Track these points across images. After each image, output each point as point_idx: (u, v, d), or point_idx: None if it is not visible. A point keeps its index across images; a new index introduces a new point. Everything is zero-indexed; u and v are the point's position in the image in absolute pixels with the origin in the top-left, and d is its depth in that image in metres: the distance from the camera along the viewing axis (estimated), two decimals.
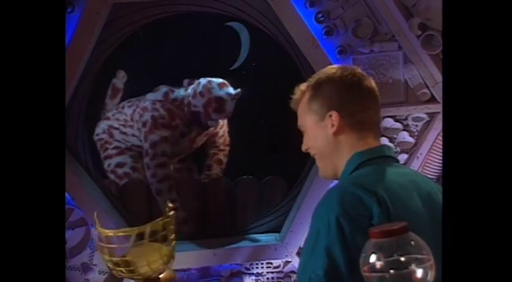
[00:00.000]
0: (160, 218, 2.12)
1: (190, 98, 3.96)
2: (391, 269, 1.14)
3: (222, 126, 4.18)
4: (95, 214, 2.28)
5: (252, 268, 3.90)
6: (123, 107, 4.13)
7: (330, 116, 1.81)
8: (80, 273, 3.78)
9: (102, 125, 4.16)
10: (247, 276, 3.90)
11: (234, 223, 4.01)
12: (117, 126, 4.13)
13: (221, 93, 3.91)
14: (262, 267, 3.90)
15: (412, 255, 1.15)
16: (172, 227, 2.16)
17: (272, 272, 3.90)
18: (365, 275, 1.18)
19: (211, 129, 4.11)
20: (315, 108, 1.85)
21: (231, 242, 3.90)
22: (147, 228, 2.07)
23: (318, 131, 1.84)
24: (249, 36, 4.11)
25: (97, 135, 4.15)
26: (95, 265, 3.79)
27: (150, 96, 4.03)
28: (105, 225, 3.64)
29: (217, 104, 3.91)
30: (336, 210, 1.58)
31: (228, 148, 4.18)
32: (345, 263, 1.53)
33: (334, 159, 1.83)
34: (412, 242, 1.17)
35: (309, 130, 1.88)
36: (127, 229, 2.18)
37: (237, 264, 3.88)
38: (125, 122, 4.12)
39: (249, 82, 4.02)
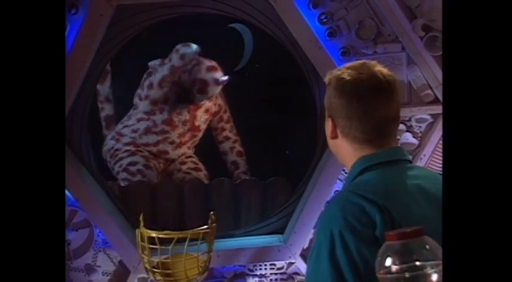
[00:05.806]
0: (203, 227, 2.15)
1: (181, 72, 4.13)
2: (406, 272, 1.15)
3: (226, 111, 4.23)
4: (141, 216, 2.31)
5: (256, 269, 3.90)
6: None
7: (328, 120, 1.74)
8: (84, 275, 3.78)
9: (108, 137, 4.22)
10: (250, 278, 3.89)
11: (237, 224, 4.01)
12: (125, 125, 4.20)
13: (207, 76, 4.09)
14: (265, 269, 3.89)
15: (427, 259, 1.15)
16: (212, 238, 2.20)
17: (275, 274, 3.90)
18: (380, 277, 1.18)
19: (212, 106, 4.22)
20: (324, 104, 1.77)
21: (235, 243, 3.90)
22: (189, 234, 2.14)
23: (325, 128, 1.77)
24: (252, 38, 4.12)
25: (105, 145, 4.17)
26: (99, 266, 3.78)
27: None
28: (108, 226, 3.70)
29: (202, 85, 4.11)
30: (338, 222, 1.56)
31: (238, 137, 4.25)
32: (352, 274, 1.52)
33: (342, 159, 1.78)
34: (427, 246, 1.17)
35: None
36: (169, 232, 2.24)
37: (240, 265, 3.88)
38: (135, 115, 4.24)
39: (252, 83, 4.03)
